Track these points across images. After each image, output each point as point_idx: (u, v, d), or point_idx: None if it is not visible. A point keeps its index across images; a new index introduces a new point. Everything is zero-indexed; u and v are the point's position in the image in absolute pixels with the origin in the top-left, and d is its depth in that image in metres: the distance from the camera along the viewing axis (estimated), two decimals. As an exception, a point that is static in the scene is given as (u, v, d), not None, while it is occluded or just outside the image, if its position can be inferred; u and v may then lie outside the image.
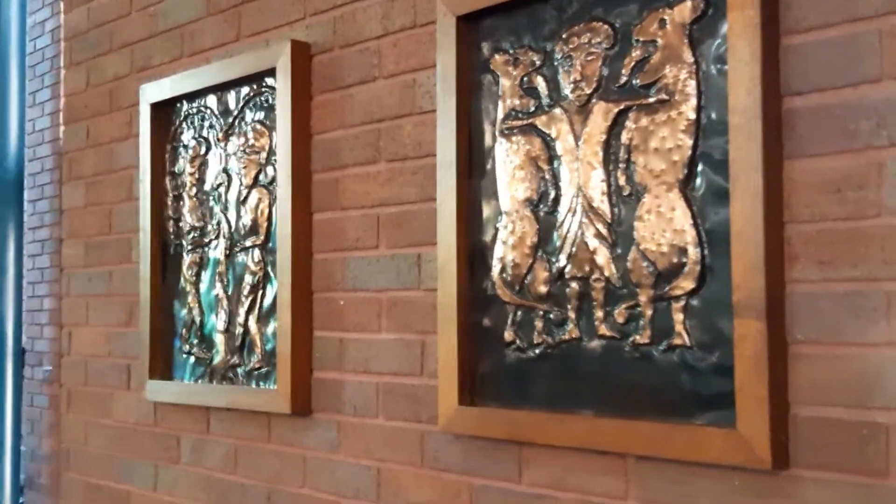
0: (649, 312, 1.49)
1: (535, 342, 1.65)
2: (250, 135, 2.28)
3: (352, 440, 2.02)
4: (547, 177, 1.65)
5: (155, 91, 2.54)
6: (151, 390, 2.53)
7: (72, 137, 2.93)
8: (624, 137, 1.53)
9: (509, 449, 1.70)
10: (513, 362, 1.69)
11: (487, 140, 1.75)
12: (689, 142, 1.44)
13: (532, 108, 1.68)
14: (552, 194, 1.63)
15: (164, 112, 2.54)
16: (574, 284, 1.60)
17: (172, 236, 2.52)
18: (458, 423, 1.75)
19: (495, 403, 1.71)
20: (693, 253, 1.43)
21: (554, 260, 1.63)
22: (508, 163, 1.71)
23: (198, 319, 2.43)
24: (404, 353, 1.91)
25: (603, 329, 1.55)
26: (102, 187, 2.79)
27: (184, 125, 2.50)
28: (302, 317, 2.12)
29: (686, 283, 1.44)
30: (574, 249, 1.59)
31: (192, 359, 2.44)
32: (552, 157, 1.64)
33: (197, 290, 2.43)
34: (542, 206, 1.65)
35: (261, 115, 2.25)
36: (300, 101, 2.13)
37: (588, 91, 1.58)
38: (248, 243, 2.28)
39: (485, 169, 1.75)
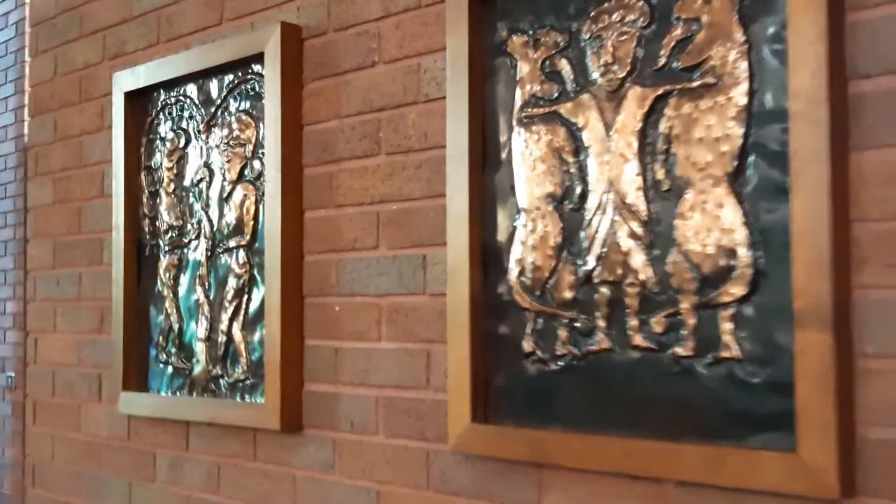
0: (692, 321, 1.33)
1: (558, 353, 1.49)
2: (235, 126, 2.10)
3: (348, 459, 1.85)
4: (572, 170, 1.48)
5: (129, 79, 2.35)
6: (125, 403, 2.34)
7: (38, 131, 2.73)
8: (663, 126, 1.37)
9: (528, 472, 1.53)
10: (532, 376, 1.53)
11: (503, 130, 1.59)
12: (740, 130, 1.28)
13: (555, 95, 1.51)
14: (578, 189, 1.47)
15: (140, 102, 2.35)
16: (604, 289, 1.44)
17: (148, 236, 2.33)
18: (471, 443, 1.59)
19: (512, 421, 1.55)
20: (744, 255, 1.28)
21: (581, 262, 1.46)
22: (528, 155, 1.54)
23: (176, 326, 2.24)
24: (407, 363, 1.74)
25: (638, 339, 1.39)
26: (72, 183, 2.59)
27: (161, 116, 2.31)
28: (292, 324, 1.95)
29: (736, 289, 1.28)
30: (604, 251, 1.43)
31: (170, 369, 2.26)
32: (578, 148, 1.48)
33: (175, 294, 2.25)
34: (566, 202, 1.49)
35: (246, 104, 2.07)
36: (290, 88, 1.95)
37: (621, 75, 1.42)
38: (231, 244, 2.10)
39: (500, 162, 1.59)
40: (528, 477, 1.53)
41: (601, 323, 1.44)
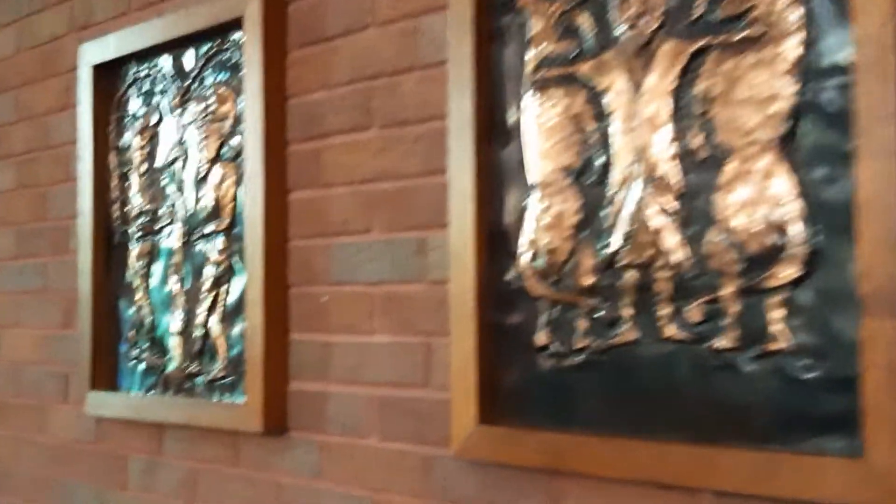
0: (735, 309, 1.16)
1: (576, 347, 1.32)
2: (212, 100, 1.91)
3: (338, 465, 1.67)
4: (593, 139, 1.31)
5: (97, 51, 2.16)
6: (93, 403, 2.15)
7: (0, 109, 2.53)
8: (700, 86, 1.20)
9: (542, 480, 1.36)
10: (547, 372, 1.36)
11: (512, 97, 1.41)
12: (792, 88, 1.12)
13: (573, 54, 1.34)
14: (600, 161, 1.30)
15: (109, 76, 2.16)
16: (631, 274, 1.26)
17: (118, 222, 2.14)
18: (477, 447, 1.41)
19: (524, 423, 1.38)
20: (797, 232, 1.11)
21: (603, 243, 1.29)
22: (541, 123, 1.37)
23: (148, 320, 2.06)
24: (404, 359, 1.57)
25: (670, 330, 1.22)
26: (36, 166, 2.40)
27: (131, 91, 2.12)
28: (276, 316, 1.77)
29: (787, 271, 1.12)
30: (631, 230, 1.26)
31: (142, 366, 2.07)
32: (600, 113, 1.31)
33: (147, 285, 2.06)
34: (586, 175, 1.32)
35: (224, 75, 1.89)
36: (273, 56, 1.77)
37: (650, 28, 1.25)
38: (208, 229, 1.92)
39: (509, 132, 1.42)
40: (542, 486, 1.36)
41: (627, 312, 1.26)
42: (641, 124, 1.25)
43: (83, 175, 2.18)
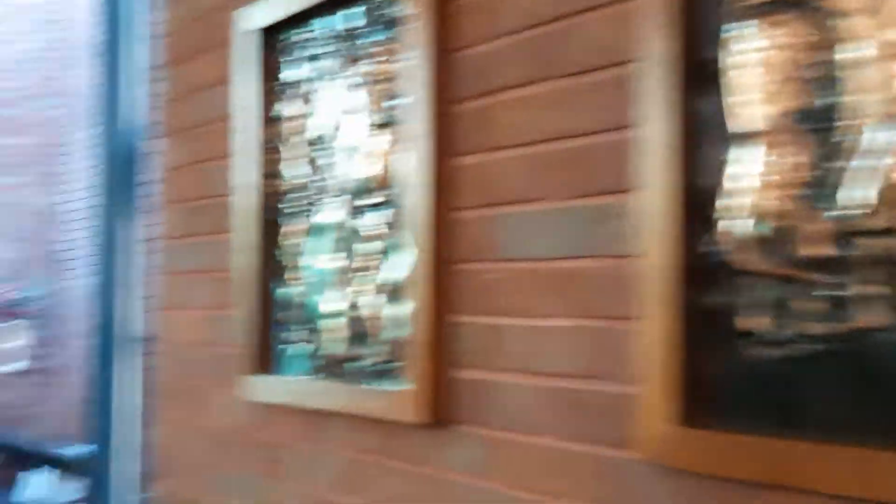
0: None
1: (805, 333, 1.06)
2: (372, 60, 1.75)
3: (505, 463, 1.47)
4: (826, 75, 1.05)
5: (253, 17, 2.04)
6: (251, 388, 2.04)
7: (172, 82, 2.47)
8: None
9: (754, 495, 1.11)
10: (762, 364, 1.10)
11: (720, 29, 1.17)
12: None
13: (798, -30, 1.08)
14: (834, 102, 1.04)
15: (266, 43, 2.04)
16: (881, 242, 1.00)
17: (274, 198, 2.02)
18: (672, 452, 1.18)
19: (731, 425, 1.13)
20: None
21: (842, 205, 1.03)
22: (756, 59, 1.12)
23: (304, 300, 1.92)
24: (585, 346, 1.35)
25: (932, 313, 0.95)
26: (200, 141, 2.32)
27: (289, 57, 1.99)
28: (439, 296, 1.59)
29: None
30: (881, 188, 1.00)
31: (299, 349, 1.94)
32: (834, 42, 1.04)
33: (301, 263, 1.93)
34: (816, 121, 1.06)
35: (385, 33, 1.72)
36: (437, 7, 1.59)
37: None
38: (368, 201, 1.76)
39: (714, 74, 1.17)
40: (755, 502, 1.11)
41: (875, 290, 1.00)
42: (885, 52, 0.98)
43: (239, 149, 2.07)
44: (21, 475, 6.99)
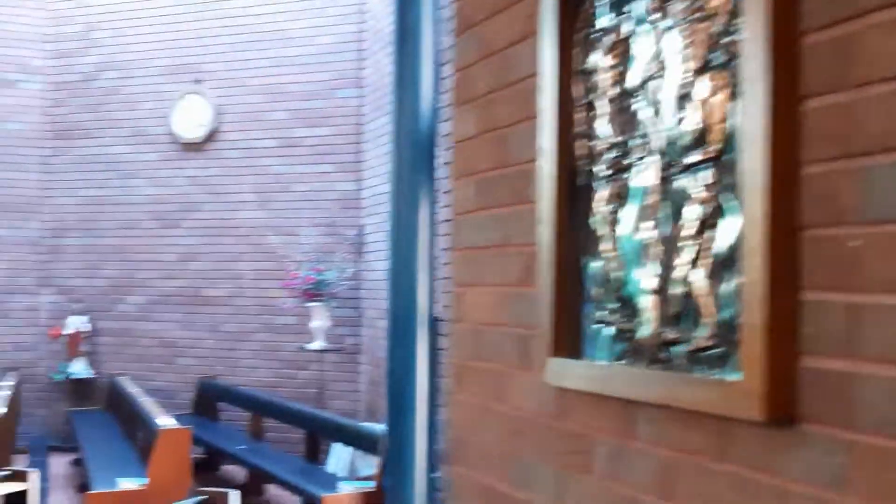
0: None
1: None
2: (696, -6, 1.50)
3: (873, 475, 1.18)
4: None
5: (560, -36, 1.85)
6: (554, 372, 1.86)
7: (463, 49, 2.35)
8: None
9: None
10: None
11: None
12: None
13: None
14: None
15: (573, -9, 1.85)
16: None
17: (582, 161, 1.82)
18: None
19: None
20: None
21: None
22: None
23: (616, 275, 1.71)
24: None
25: None
26: (496, 107, 2.17)
27: (596, 3, 1.78)
28: (782, 268, 1.32)
29: None
30: None
31: (610, 330, 1.73)
32: None
33: (615, 233, 1.72)
34: None
35: (713, -40, 1.47)
36: (782, -83, 1.32)
37: None
38: (692, 159, 1.52)
39: None
40: None
41: None
42: None
43: (544, 109, 1.89)
44: (328, 448, 7.35)
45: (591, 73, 1.79)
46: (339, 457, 7.12)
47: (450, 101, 2.42)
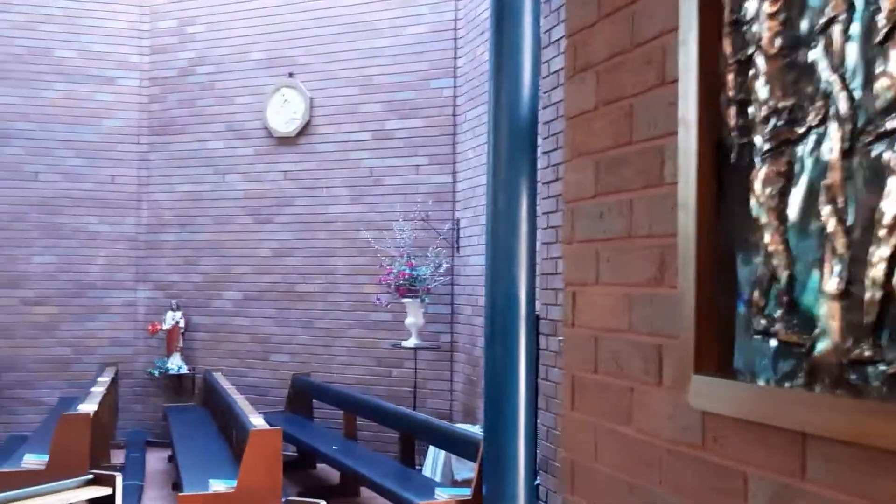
0: None
1: None
2: None
3: None
4: None
5: None
6: (698, 392, 1.52)
7: (577, 9, 2.02)
8: None
9: None
10: None
11: None
12: None
13: None
14: None
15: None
16: None
17: (735, 132, 1.47)
18: None
19: None
20: None
21: None
22: None
23: (783, 274, 1.36)
24: None
25: None
26: (619, 73, 1.84)
27: (756, -64, 1.43)
28: None
29: None
30: None
31: (773, 343, 1.38)
32: None
33: (781, 220, 1.37)
34: None
35: None
36: None
37: None
38: (890, 125, 1.16)
39: None
40: None
41: None
42: None
43: (686, 70, 1.54)
44: (423, 449, 7.10)
45: (746, 22, 1.44)
46: (435, 460, 6.86)
47: (562, 73, 2.09)
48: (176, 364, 9.34)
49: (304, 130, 9.05)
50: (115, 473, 4.40)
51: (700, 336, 1.50)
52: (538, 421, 5.59)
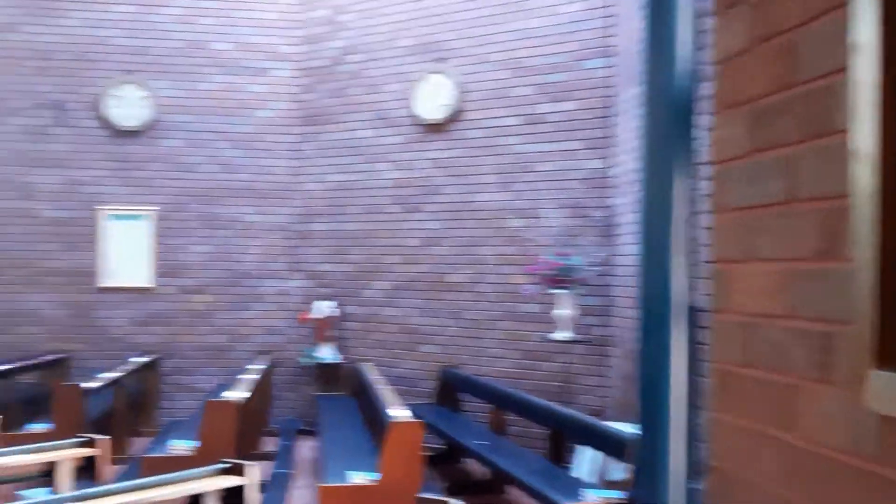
0: None
1: None
2: None
3: None
4: None
5: None
6: (881, 392, 1.18)
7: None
8: None
9: None
10: None
11: None
12: None
13: None
14: None
15: None
16: None
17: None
18: None
19: None
20: None
21: None
22: None
23: None
24: None
25: None
26: (777, 3, 1.51)
27: None
28: None
29: None
30: None
31: (985, 330, 1.04)
32: None
33: None
34: None
35: None
36: None
37: None
38: None
39: None
40: None
41: None
42: None
43: (863, -18, 1.21)
44: (574, 450, 6.79)
45: None
46: (586, 459, 6.54)
47: (711, 7, 1.77)
48: (327, 353, 9.38)
49: (453, 117, 8.87)
50: (248, 462, 4.33)
51: (882, 322, 1.16)
52: (698, 421, 5.19)
